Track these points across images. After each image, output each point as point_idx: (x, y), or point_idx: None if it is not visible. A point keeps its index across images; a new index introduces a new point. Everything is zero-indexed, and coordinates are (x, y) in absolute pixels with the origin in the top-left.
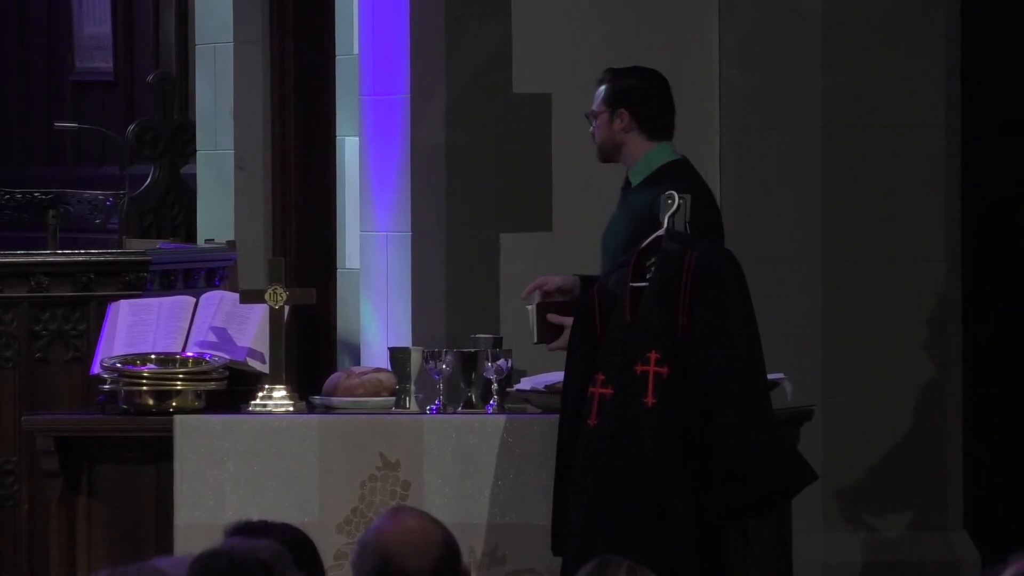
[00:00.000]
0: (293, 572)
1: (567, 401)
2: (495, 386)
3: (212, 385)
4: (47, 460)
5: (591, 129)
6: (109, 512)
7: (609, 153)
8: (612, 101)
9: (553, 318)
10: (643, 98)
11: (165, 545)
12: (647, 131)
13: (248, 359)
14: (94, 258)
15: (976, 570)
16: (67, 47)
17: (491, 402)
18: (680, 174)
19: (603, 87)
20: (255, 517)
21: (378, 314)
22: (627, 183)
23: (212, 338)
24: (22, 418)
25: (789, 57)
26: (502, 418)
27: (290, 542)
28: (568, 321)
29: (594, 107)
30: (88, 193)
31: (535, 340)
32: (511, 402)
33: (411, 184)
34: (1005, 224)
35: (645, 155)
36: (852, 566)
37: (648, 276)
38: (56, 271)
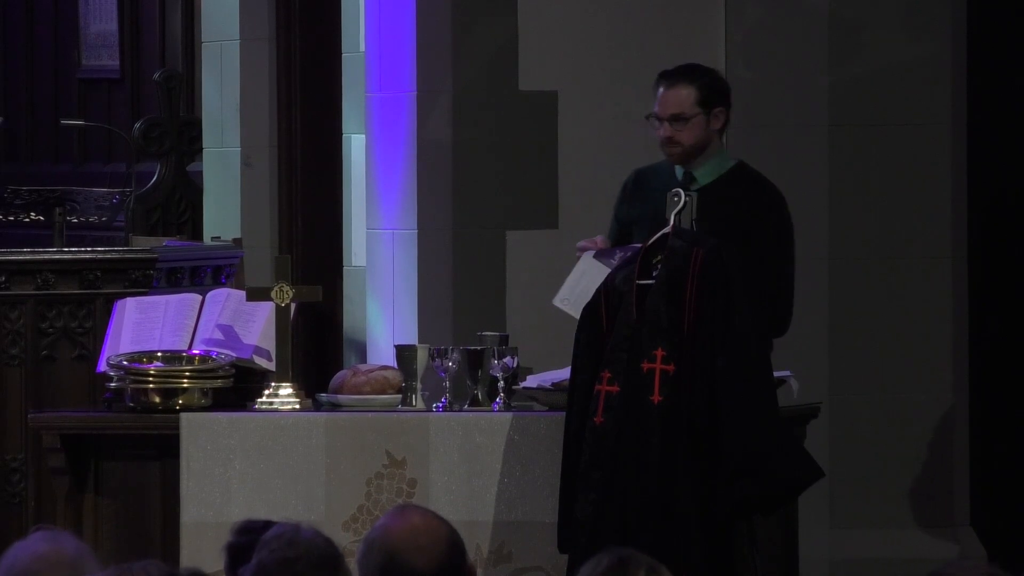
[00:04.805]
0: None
1: (573, 399)
2: (501, 384)
3: (218, 383)
4: (54, 458)
5: None
6: (116, 510)
7: None
8: None
9: None
10: None
11: (171, 542)
12: None
13: (254, 357)
14: (100, 255)
15: None
16: (74, 44)
17: (497, 400)
18: None
19: None
20: (261, 514)
21: (384, 312)
22: None
23: (218, 336)
24: (28, 416)
25: (795, 54)
26: (508, 416)
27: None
28: None
29: None
30: (95, 191)
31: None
32: (517, 400)
33: (417, 181)
34: (1012, 221)
35: None
36: (858, 563)
37: (655, 273)
38: (63, 268)
